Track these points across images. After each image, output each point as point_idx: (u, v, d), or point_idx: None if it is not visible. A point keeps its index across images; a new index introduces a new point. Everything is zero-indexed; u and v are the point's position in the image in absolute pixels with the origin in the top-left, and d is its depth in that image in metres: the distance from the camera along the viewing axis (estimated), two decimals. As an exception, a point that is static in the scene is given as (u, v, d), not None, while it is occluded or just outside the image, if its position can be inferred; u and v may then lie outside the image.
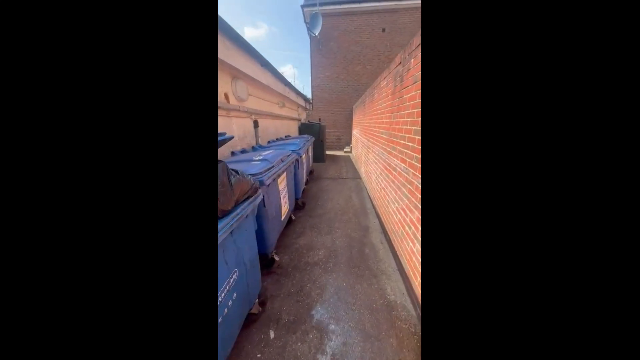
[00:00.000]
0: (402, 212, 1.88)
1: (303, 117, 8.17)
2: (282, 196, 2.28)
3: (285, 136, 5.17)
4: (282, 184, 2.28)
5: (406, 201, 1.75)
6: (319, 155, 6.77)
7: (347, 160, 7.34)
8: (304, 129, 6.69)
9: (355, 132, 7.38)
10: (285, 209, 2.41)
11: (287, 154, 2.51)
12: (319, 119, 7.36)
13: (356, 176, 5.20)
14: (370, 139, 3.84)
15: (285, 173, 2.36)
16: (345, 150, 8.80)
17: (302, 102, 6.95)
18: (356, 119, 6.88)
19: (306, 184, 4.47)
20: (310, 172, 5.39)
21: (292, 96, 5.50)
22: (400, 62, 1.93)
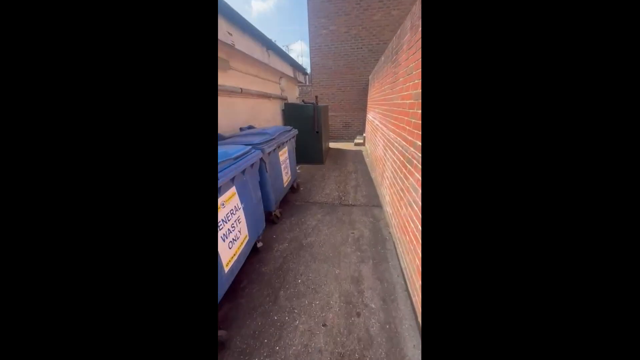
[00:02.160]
0: None
1: (295, 94, 5.70)
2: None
3: (242, 128, 2.86)
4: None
5: None
6: (314, 153, 4.42)
7: (358, 158, 4.92)
8: (290, 113, 4.29)
9: (370, 116, 4.85)
10: None
11: None
12: (316, 98, 4.88)
13: (372, 201, 2.85)
14: (410, 135, 1.41)
15: None
16: (356, 141, 6.33)
17: (287, 70, 4.48)
18: (373, 93, 4.32)
19: (276, 221, 2.22)
20: (293, 189, 3.13)
21: (254, 50, 3.07)
22: None
